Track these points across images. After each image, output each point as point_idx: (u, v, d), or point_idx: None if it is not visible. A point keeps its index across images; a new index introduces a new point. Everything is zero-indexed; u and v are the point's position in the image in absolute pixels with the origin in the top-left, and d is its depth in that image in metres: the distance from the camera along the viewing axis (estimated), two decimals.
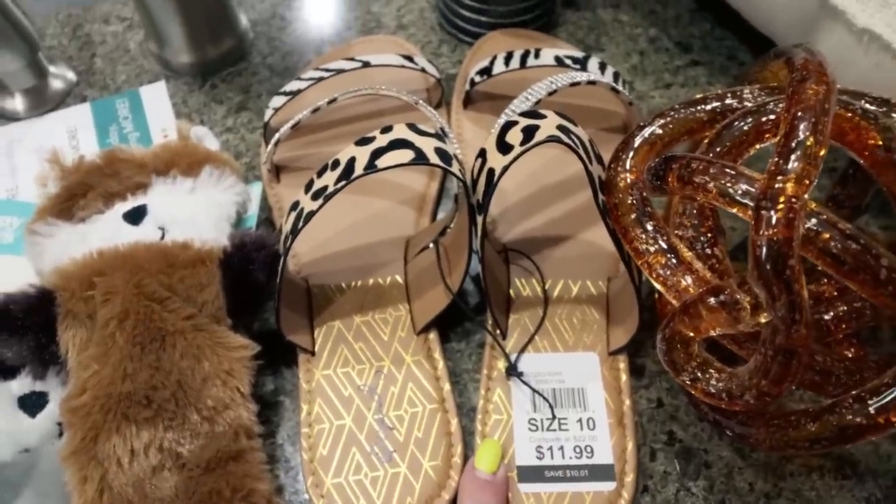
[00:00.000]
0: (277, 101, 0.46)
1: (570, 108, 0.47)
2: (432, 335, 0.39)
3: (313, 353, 0.39)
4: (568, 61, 0.44)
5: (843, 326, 0.35)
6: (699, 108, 0.36)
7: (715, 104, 0.36)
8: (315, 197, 0.35)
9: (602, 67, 0.45)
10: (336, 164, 0.36)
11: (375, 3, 0.58)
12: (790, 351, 0.27)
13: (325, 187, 0.35)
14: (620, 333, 0.38)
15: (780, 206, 0.27)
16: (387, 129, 0.36)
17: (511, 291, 0.41)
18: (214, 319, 0.35)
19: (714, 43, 0.55)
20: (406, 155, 0.34)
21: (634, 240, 0.33)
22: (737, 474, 0.37)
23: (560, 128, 0.35)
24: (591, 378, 0.38)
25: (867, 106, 0.32)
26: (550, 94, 0.41)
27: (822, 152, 0.28)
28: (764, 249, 0.27)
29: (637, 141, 0.35)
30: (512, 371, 0.38)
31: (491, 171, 0.36)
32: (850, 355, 0.36)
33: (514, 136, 0.35)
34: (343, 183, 0.34)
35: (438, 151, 0.35)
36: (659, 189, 0.33)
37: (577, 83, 0.41)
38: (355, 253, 0.42)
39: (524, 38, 0.51)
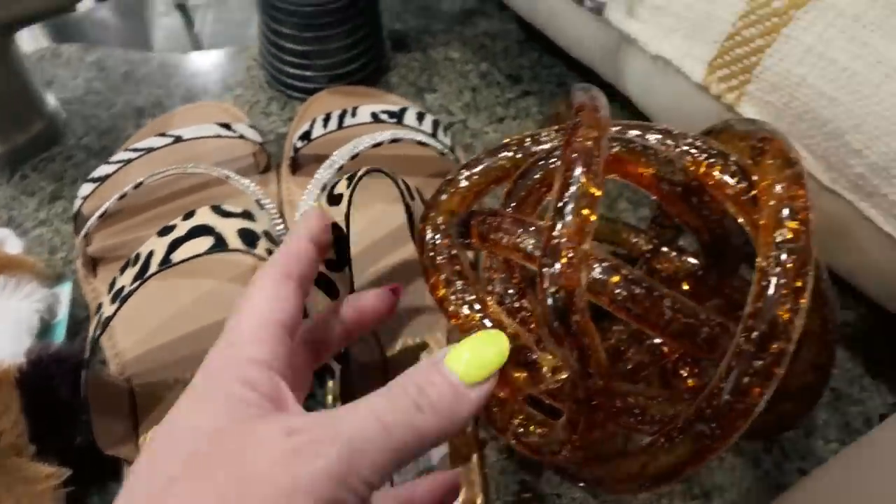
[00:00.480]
0: (85, 188, 0.43)
1: (399, 158, 0.46)
2: None
3: None
4: (384, 116, 0.43)
5: (677, 346, 0.36)
6: (501, 155, 0.36)
7: (514, 150, 0.35)
8: (113, 299, 0.33)
9: (420, 117, 0.44)
10: (137, 258, 0.34)
11: (199, 66, 0.56)
12: (591, 402, 0.27)
13: (122, 288, 0.33)
14: None
15: (562, 259, 0.26)
16: (189, 215, 0.35)
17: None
18: (14, 449, 0.32)
19: (543, 71, 0.56)
20: (204, 243, 0.33)
21: (444, 300, 0.32)
22: None
23: (376, 170, 0.35)
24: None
25: (651, 139, 0.33)
26: (353, 157, 0.40)
27: (598, 194, 0.28)
28: (549, 304, 0.26)
29: (443, 196, 0.35)
30: None
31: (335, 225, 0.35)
32: (685, 374, 0.37)
33: (340, 187, 0.35)
34: (137, 283, 0.32)
35: (242, 233, 0.34)
36: (466, 245, 0.33)
37: (380, 143, 0.41)
38: (184, 342, 0.40)
39: (352, 96, 0.50)
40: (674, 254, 0.40)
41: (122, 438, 0.36)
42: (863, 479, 0.23)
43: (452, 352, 0.23)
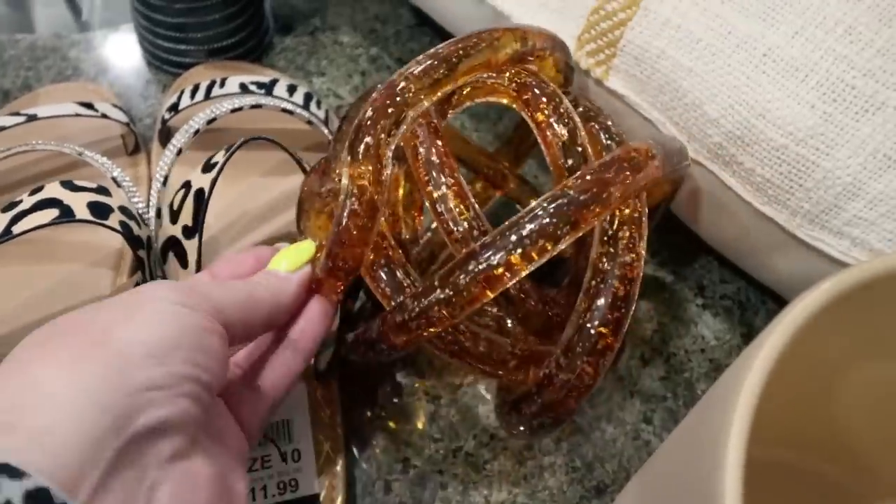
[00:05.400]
0: None
1: (264, 127, 0.44)
2: None
3: None
4: (253, 87, 0.42)
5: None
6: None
7: None
8: None
9: (291, 89, 0.43)
10: None
11: (73, 48, 0.53)
12: None
13: None
14: (328, 353, 0.37)
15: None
16: (36, 190, 0.33)
17: None
18: None
19: None
20: (49, 214, 0.31)
21: None
22: (472, 489, 0.36)
23: (256, 138, 0.35)
24: (297, 407, 0.36)
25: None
26: (210, 122, 0.39)
27: None
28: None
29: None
30: None
31: (199, 191, 0.34)
32: None
33: (217, 156, 0.35)
34: None
35: (92, 205, 0.32)
36: None
37: (239, 108, 0.39)
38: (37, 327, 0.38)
39: (227, 70, 0.48)
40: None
41: None
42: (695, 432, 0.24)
43: (274, 259, 0.29)
